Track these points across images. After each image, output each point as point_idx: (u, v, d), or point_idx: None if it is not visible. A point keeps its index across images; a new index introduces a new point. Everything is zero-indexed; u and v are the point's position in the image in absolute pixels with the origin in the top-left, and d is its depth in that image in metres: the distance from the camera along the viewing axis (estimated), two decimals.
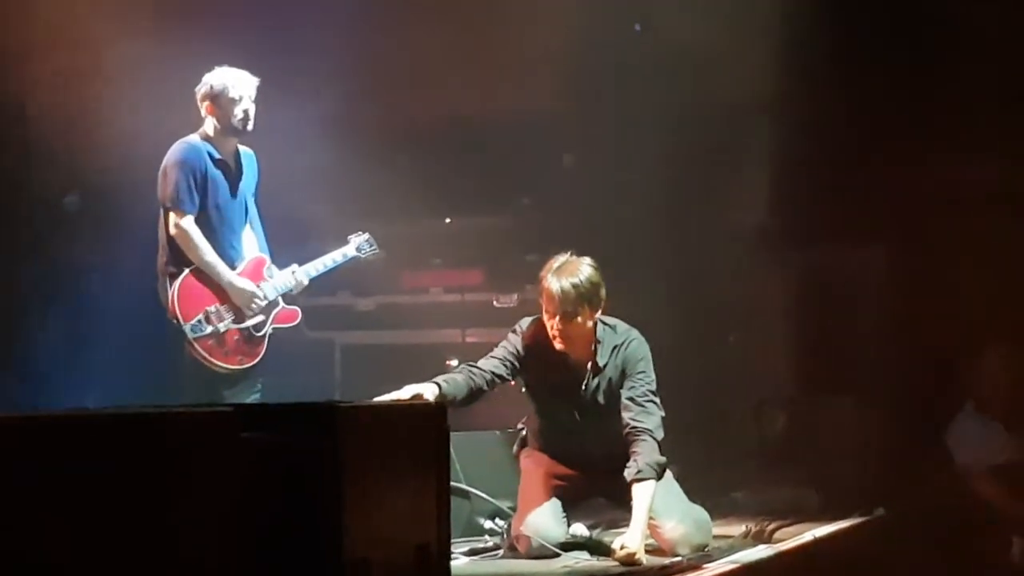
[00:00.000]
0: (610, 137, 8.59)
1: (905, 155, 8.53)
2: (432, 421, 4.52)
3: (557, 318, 6.11)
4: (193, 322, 6.80)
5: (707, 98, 8.82)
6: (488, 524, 6.60)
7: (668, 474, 6.24)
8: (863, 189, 8.49)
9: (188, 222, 6.82)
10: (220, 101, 6.89)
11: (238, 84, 6.89)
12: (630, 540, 5.87)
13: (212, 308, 6.84)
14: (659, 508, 6.08)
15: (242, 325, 6.90)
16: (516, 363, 6.23)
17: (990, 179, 8.20)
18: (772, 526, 6.81)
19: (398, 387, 5.82)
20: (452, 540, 4.76)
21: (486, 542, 6.48)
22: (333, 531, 3.92)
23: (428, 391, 5.86)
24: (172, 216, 6.84)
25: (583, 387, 6.26)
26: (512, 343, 6.26)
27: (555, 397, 6.33)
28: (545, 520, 6.17)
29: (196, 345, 6.81)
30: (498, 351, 6.25)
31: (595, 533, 6.37)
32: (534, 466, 6.40)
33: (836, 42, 8.70)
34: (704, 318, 8.33)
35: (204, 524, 3.68)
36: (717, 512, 7.05)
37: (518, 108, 9.41)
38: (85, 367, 8.08)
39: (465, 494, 6.57)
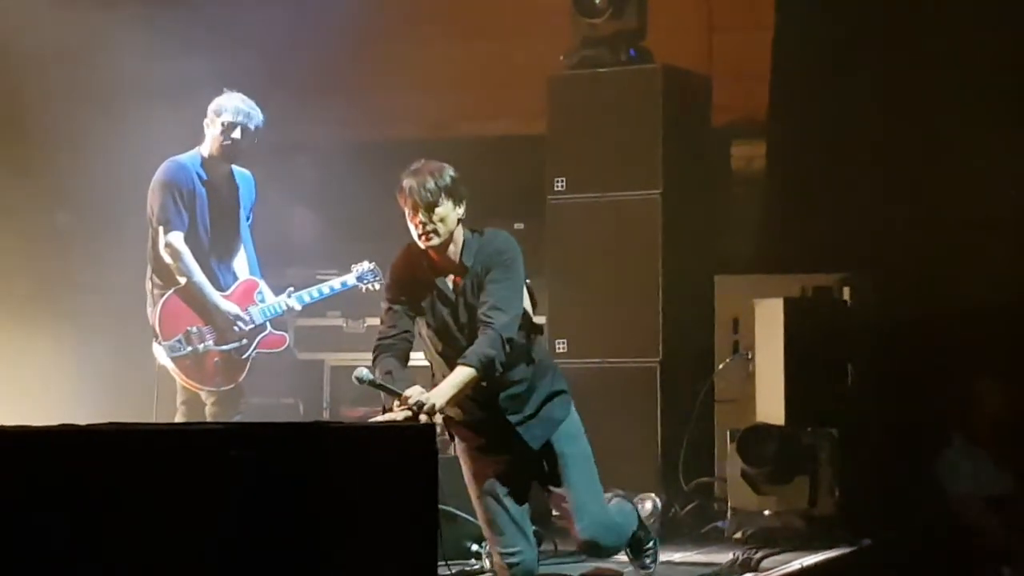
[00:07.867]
0: (603, 162, 8.58)
1: (887, 179, 8.54)
2: (420, 443, 4.50)
3: (420, 213, 5.68)
4: (172, 341, 6.78)
5: (699, 124, 8.83)
6: (475, 547, 6.57)
7: (592, 471, 5.90)
8: (849, 216, 8.49)
9: (177, 240, 6.81)
10: (223, 121, 6.87)
11: (247, 117, 6.87)
12: (434, 395, 5.53)
13: (193, 329, 6.82)
14: (574, 502, 5.83)
15: (223, 348, 6.87)
16: (402, 298, 5.84)
17: (973, 205, 8.19)
18: (759, 555, 6.79)
19: (383, 408, 5.73)
20: (439, 563, 4.75)
21: (473, 566, 6.46)
22: (318, 553, 3.90)
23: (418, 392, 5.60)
24: (161, 234, 6.83)
25: (455, 293, 5.80)
26: (385, 283, 5.94)
27: (435, 315, 5.86)
28: (520, 546, 5.91)
29: (174, 365, 6.79)
30: (383, 305, 5.91)
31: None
32: (470, 476, 6.00)
33: (826, 62, 8.75)
34: (692, 345, 8.31)
35: (189, 542, 3.66)
36: (704, 541, 7.02)
37: (512, 131, 9.42)
38: (74, 383, 8.07)
39: (452, 517, 6.55)
